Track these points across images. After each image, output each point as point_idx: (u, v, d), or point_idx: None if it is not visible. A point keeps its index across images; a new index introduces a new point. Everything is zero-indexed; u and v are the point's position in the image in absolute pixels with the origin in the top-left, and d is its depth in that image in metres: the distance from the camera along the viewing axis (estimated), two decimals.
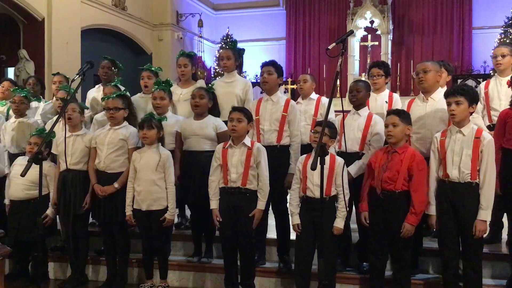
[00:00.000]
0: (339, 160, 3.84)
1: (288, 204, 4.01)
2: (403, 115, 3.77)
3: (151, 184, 4.19)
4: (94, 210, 4.48)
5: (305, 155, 4.01)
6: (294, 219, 3.93)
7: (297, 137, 4.31)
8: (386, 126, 3.76)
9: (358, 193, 3.97)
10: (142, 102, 5.04)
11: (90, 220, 4.86)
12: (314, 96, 5.16)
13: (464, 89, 3.61)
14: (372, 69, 4.94)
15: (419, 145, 3.99)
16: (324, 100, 4.98)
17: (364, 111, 4.25)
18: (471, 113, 3.65)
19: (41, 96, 6.00)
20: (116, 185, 4.30)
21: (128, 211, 4.27)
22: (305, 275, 3.90)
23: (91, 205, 4.45)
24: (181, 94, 4.92)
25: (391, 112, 3.83)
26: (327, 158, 3.45)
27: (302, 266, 3.90)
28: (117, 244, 4.43)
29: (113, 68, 5.47)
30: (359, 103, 4.26)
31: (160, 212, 4.21)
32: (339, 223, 3.79)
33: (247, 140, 4.02)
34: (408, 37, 12.67)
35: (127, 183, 4.28)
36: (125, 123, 4.44)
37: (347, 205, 3.82)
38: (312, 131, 3.93)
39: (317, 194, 3.78)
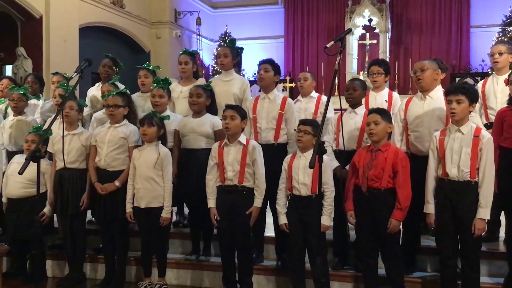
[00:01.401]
0: (324, 158, 3.84)
1: (276, 204, 4.02)
2: (384, 114, 3.81)
3: (150, 181, 4.19)
4: (94, 208, 4.48)
5: (290, 155, 4.03)
6: (281, 218, 3.95)
7: (294, 135, 4.31)
8: (368, 124, 3.79)
9: None
10: (140, 101, 5.04)
11: (89, 218, 4.86)
12: (314, 94, 5.16)
13: (466, 88, 3.62)
14: (371, 67, 4.93)
15: (417, 143, 4.00)
16: (325, 98, 4.98)
17: (361, 110, 4.25)
18: (470, 112, 3.66)
19: (40, 94, 5.99)
20: (117, 183, 4.30)
21: (128, 208, 4.27)
22: (299, 272, 3.91)
23: (90, 203, 4.44)
24: (181, 91, 4.92)
25: (372, 110, 3.87)
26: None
27: (295, 264, 3.91)
28: (116, 242, 4.42)
29: (114, 67, 5.47)
30: (355, 102, 4.27)
31: (159, 209, 4.21)
32: (325, 220, 3.80)
33: (243, 138, 4.02)
34: (406, 35, 12.67)
35: (127, 181, 4.28)
36: (125, 121, 4.44)
37: (333, 202, 3.84)
38: (296, 129, 3.94)
39: (303, 192, 3.83)
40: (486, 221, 3.56)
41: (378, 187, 3.71)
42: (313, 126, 3.85)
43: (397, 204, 3.67)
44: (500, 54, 4.65)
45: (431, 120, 3.97)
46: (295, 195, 3.88)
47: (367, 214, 3.77)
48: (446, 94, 3.67)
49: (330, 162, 3.94)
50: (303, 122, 3.96)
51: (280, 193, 3.98)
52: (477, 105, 4.61)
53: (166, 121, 4.38)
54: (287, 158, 4.00)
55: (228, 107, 4.07)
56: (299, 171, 3.84)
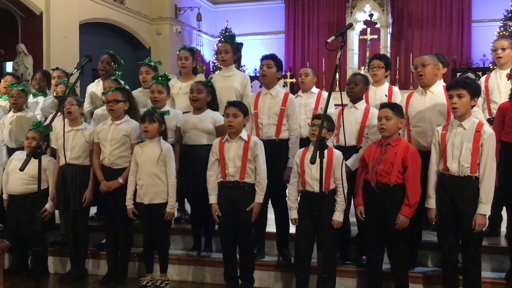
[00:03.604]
0: (337, 153, 3.83)
1: (286, 198, 4.01)
2: (396, 108, 3.77)
3: (153, 177, 4.19)
4: (98, 204, 4.48)
5: (302, 149, 4.00)
6: (292, 213, 3.94)
7: (295, 130, 4.30)
8: (379, 119, 3.77)
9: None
10: (142, 97, 5.03)
11: (90, 214, 4.86)
12: (315, 90, 5.15)
13: (467, 82, 3.60)
14: (372, 60, 4.93)
15: (419, 138, 3.99)
16: (325, 94, 4.97)
17: (361, 105, 4.24)
18: (472, 107, 3.64)
19: (47, 91, 5.98)
20: (120, 180, 4.31)
21: (130, 205, 4.26)
22: (304, 268, 3.91)
23: (93, 200, 4.45)
24: (180, 87, 4.91)
25: (384, 105, 3.83)
26: (325, 152, 3.45)
27: (301, 259, 3.91)
28: (120, 238, 4.43)
29: (112, 63, 5.46)
30: (356, 97, 4.25)
31: (162, 205, 4.21)
32: (338, 217, 3.79)
33: (244, 134, 4.01)
34: (407, 30, 12.64)
35: (129, 177, 4.28)
36: (126, 117, 4.43)
37: (346, 198, 3.82)
38: (310, 124, 3.92)
39: (316, 188, 3.78)
40: (487, 216, 3.55)
41: (387, 183, 3.69)
42: (327, 121, 3.81)
43: (406, 200, 3.66)
44: (503, 49, 4.64)
45: (432, 115, 3.96)
46: (307, 191, 3.86)
47: (375, 210, 3.76)
48: (447, 89, 3.65)
49: (342, 157, 3.90)
50: (317, 116, 3.94)
51: (292, 187, 3.96)
52: (480, 100, 4.62)
53: (167, 117, 4.37)
54: (299, 153, 3.97)
55: (230, 104, 4.04)
56: (312, 166, 3.77)
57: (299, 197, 3.96)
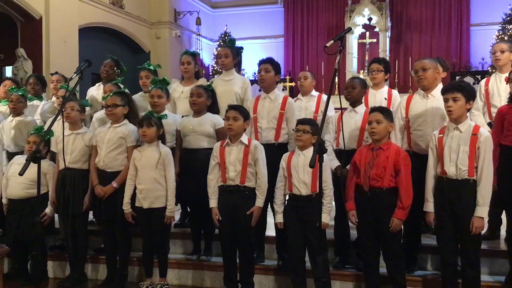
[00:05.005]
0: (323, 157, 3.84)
1: (273, 202, 4.04)
2: (386, 113, 3.80)
3: (153, 181, 4.19)
4: (95, 209, 4.48)
5: (288, 153, 4.03)
6: (278, 217, 3.97)
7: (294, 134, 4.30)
8: (370, 123, 3.78)
9: None
10: (143, 102, 5.04)
11: (90, 218, 4.86)
12: (314, 93, 5.17)
13: (461, 85, 3.61)
14: (372, 64, 4.96)
15: (420, 142, 3.97)
16: (325, 97, 4.97)
17: (361, 108, 4.25)
18: (468, 110, 3.64)
19: (42, 95, 5.99)
20: (114, 184, 4.30)
21: (127, 209, 4.26)
22: (299, 272, 3.91)
23: (91, 204, 4.45)
24: (182, 91, 4.92)
25: (374, 109, 3.85)
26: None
27: (295, 263, 3.92)
28: (118, 242, 4.42)
29: (115, 68, 5.48)
30: (354, 100, 4.26)
31: (162, 210, 4.21)
32: (325, 218, 3.80)
33: (244, 138, 4.02)
34: (406, 34, 12.66)
35: (127, 181, 4.28)
36: (126, 121, 4.44)
37: (332, 200, 3.84)
38: (294, 129, 3.95)
39: (303, 191, 3.83)
40: (487, 219, 3.55)
41: (380, 186, 3.70)
42: (312, 125, 3.86)
43: (399, 203, 3.67)
44: (502, 52, 4.65)
45: (434, 119, 3.95)
46: (294, 194, 3.87)
47: (368, 214, 3.76)
48: (442, 92, 3.66)
49: (328, 160, 3.93)
50: (301, 121, 3.96)
51: (278, 191, 3.98)
52: (481, 104, 4.63)
53: (166, 121, 4.38)
54: (285, 156, 3.99)
55: (231, 107, 4.06)
56: (299, 169, 3.83)
57: (286, 201, 3.97)
